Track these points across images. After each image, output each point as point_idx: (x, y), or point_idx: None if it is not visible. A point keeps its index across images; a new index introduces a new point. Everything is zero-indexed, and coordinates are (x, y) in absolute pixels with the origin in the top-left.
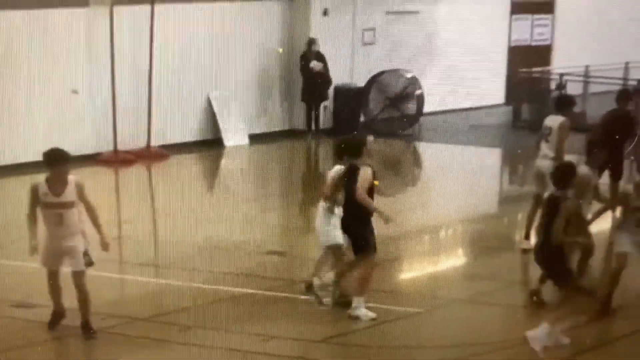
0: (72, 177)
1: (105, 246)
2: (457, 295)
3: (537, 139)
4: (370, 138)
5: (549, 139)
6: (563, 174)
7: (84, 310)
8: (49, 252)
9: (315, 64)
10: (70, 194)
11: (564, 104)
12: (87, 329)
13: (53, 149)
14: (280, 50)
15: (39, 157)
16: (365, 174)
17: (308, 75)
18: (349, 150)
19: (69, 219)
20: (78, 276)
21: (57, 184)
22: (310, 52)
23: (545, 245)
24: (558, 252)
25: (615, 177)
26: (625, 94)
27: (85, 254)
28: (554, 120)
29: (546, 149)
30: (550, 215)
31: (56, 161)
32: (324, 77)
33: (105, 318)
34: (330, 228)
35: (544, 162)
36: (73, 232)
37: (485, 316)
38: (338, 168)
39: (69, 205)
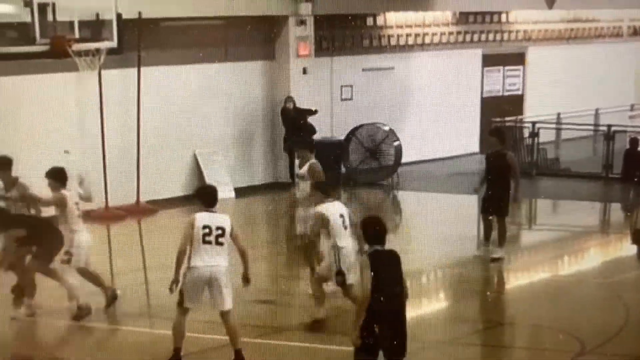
0: None
1: None
2: (440, 337)
3: None
4: None
5: None
6: None
7: None
8: None
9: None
10: None
11: None
12: None
13: None
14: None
15: None
16: None
17: (289, 126)
18: None
19: None
20: None
21: None
22: (287, 109)
23: None
24: None
25: (501, 214)
26: (498, 132)
27: None
28: None
29: None
30: None
31: None
32: (305, 127)
33: None
34: None
35: None
36: None
37: (469, 357)
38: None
39: None
